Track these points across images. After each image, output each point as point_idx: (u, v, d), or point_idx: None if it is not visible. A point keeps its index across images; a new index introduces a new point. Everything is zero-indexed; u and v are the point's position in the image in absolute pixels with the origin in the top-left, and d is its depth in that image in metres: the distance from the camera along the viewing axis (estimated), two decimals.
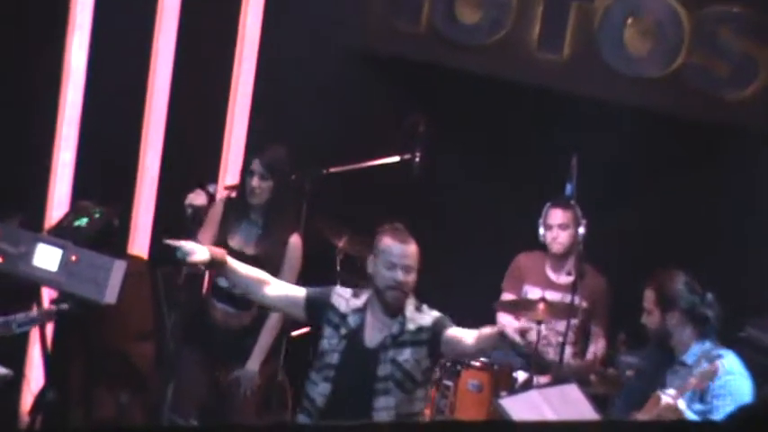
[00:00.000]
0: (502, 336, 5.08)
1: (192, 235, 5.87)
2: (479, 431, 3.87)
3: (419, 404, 5.28)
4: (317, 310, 5.31)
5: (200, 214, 5.93)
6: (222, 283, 5.92)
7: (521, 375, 6.38)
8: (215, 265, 5.28)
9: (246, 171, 5.95)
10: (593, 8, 6.94)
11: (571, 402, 5.74)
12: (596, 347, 6.56)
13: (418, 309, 5.28)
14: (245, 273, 5.33)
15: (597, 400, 5.81)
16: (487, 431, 3.90)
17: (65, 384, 6.16)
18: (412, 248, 5.23)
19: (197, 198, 5.92)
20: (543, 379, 6.36)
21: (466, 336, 5.19)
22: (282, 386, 6.34)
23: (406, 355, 5.19)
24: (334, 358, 5.24)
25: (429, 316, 5.26)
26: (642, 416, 5.48)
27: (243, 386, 5.94)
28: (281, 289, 5.34)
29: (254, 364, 5.94)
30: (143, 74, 6.91)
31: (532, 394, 5.87)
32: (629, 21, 6.92)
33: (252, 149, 6.13)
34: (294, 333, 6.31)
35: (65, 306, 5.67)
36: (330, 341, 5.26)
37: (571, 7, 6.97)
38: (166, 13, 6.87)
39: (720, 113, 6.81)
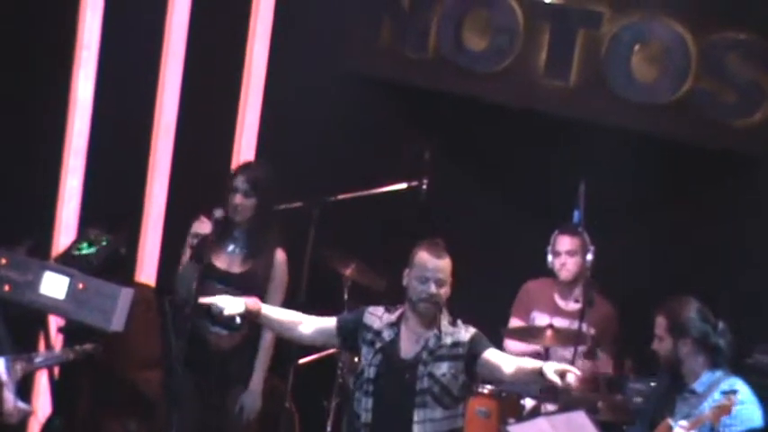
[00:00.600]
0: (541, 374, 5.09)
1: (201, 261, 5.89)
2: None
3: (460, 421, 5.31)
4: (351, 334, 5.38)
5: (205, 241, 5.94)
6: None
7: (528, 402, 6.38)
8: (251, 315, 5.33)
9: (230, 188, 5.96)
10: (599, 35, 6.99)
11: (579, 429, 5.75)
12: (601, 370, 6.55)
13: (453, 323, 5.34)
14: (279, 317, 5.40)
15: (605, 427, 5.82)
16: None
17: (72, 412, 6.19)
18: (444, 263, 5.33)
19: (201, 226, 5.94)
20: (551, 406, 6.36)
21: (504, 363, 5.23)
22: (290, 413, 6.35)
23: (443, 369, 5.24)
24: (371, 372, 5.31)
25: (465, 331, 5.32)
26: None
27: (246, 410, 5.94)
28: (313, 324, 5.41)
29: (256, 385, 5.95)
30: (150, 103, 6.98)
31: (540, 422, 5.87)
32: (636, 47, 6.96)
33: (239, 168, 6.13)
34: (301, 361, 6.31)
35: (89, 347, 5.71)
36: (366, 357, 5.34)
37: (578, 34, 7.01)
38: (173, 43, 6.94)
39: (727, 140, 6.83)
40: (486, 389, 6.30)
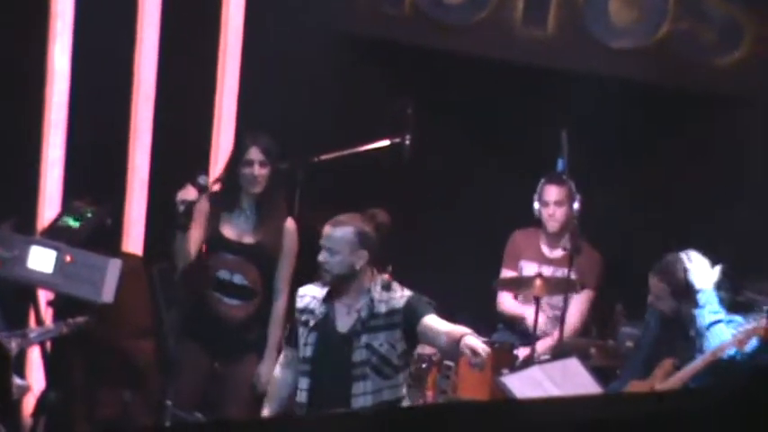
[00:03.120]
0: (459, 345, 5.06)
1: (185, 230, 5.95)
2: (482, 411, 3.94)
3: (401, 390, 5.29)
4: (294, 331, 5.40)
5: (191, 209, 6.00)
6: (223, 275, 6.00)
7: (522, 353, 6.46)
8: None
9: (241, 161, 5.99)
10: None
11: (573, 376, 5.84)
12: (573, 310, 6.60)
13: (387, 288, 5.28)
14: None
15: (598, 373, 5.91)
16: (490, 411, 3.97)
17: (66, 385, 6.24)
18: (337, 231, 5.27)
19: (188, 193, 5.99)
20: (544, 355, 6.45)
21: (440, 332, 5.17)
22: None
23: (380, 339, 5.21)
24: (307, 351, 5.30)
25: (401, 296, 5.26)
26: (657, 384, 5.55)
27: (263, 380, 5.93)
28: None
29: (271, 354, 5.97)
30: (128, 72, 6.98)
31: (534, 371, 5.96)
32: None
33: (244, 138, 6.17)
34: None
35: (81, 320, 5.76)
36: (302, 337, 5.32)
37: None
38: (147, 9, 6.95)
39: (708, 80, 6.89)
40: (480, 340, 6.35)
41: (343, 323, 5.28)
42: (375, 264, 5.33)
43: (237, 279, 5.99)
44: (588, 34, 7.00)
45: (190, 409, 6.02)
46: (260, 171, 5.96)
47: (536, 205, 6.68)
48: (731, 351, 5.53)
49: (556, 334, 6.42)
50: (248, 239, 6.00)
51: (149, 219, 7.01)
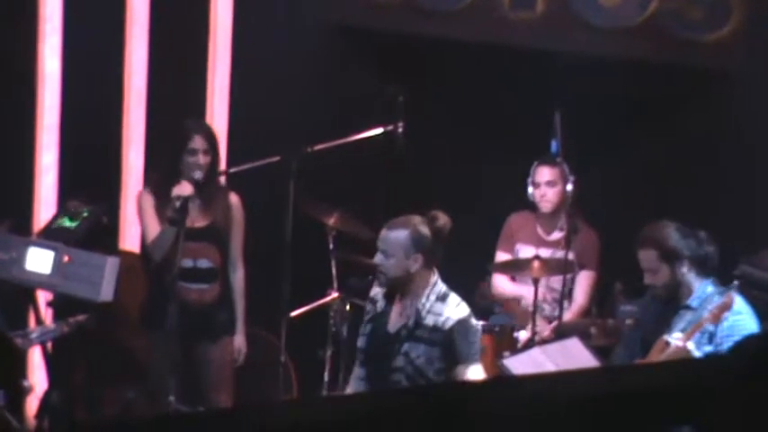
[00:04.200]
0: None
1: (180, 225, 5.96)
2: (484, 390, 3.93)
3: None
4: None
5: (187, 204, 6.02)
6: (187, 263, 6.03)
7: (522, 335, 6.48)
8: None
9: (185, 149, 6.04)
10: None
11: (574, 356, 5.85)
12: (580, 290, 6.63)
13: (442, 299, 5.23)
14: None
15: (599, 352, 5.93)
16: (490, 389, 3.95)
17: (69, 384, 6.26)
18: (392, 234, 5.24)
19: (184, 188, 6.02)
20: (545, 336, 6.46)
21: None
22: (286, 366, 6.45)
23: (419, 350, 5.18)
24: (361, 342, 5.34)
25: (450, 316, 5.19)
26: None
27: (239, 357, 6.10)
28: None
29: (241, 332, 6.12)
30: (119, 71, 7.00)
31: (535, 352, 5.97)
32: None
33: (187, 127, 6.20)
34: (293, 313, 6.41)
35: (81, 318, 5.77)
36: (362, 326, 5.38)
37: None
38: (136, 8, 6.96)
39: (697, 57, 6.91)
40: (479, 324, 6.37)
41: (394, 324, 5.27)
42: (433, 266, 5.28)
43: (202, 264, 6.06)
44: (576, 15, 7.02)
45: (193, 404, 6.04)
46: (204, 159, 6.04)
47: (530, 188, 6.70)
48: (709, 326, 5.53)
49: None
50: (200, 223, 6.06)
51: None
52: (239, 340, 6.14)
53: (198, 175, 6.03)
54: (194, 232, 6.03)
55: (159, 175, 6.14)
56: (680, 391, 3.54)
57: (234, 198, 6.18)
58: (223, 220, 6.12)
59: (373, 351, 5.28)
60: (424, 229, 5.22)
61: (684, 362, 4.95)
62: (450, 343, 5.15)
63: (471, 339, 5.21)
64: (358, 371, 5.35)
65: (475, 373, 5.21)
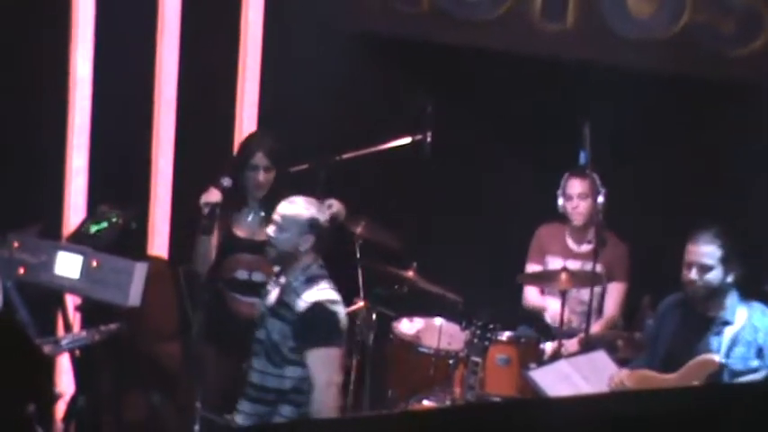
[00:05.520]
0: None
1: (209, 233, 5.99)
2: (511, 409, 3.92)
3: (287, 382, 5.30)
4: None
5: (215, 211, 6.05)
6: (241, 275, 6.04)
7: (548, 346, 6.47)
8: None
9: (248, 165, 6.04)
10: None
11: (600, 369, 5.84)
12: (610, 301, 6.62)
13: (310, 281, 5.32)
14: None
15: (626, 365, 5.90)
16: (520, 409, 3.93)
17: (95, 390, 6.28)
18: (289, 210, 5.36)
19: (211, 195, 6.05)
20: (571, 348, 6.45)
21: (312, 369, 5.28)
22: None
23: (276, 327, 5.31)
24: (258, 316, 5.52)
25: (309, 297, 5.29)
26: (687, 380, 5.52)
27: None
28: None
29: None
30: (149, 76, 7.03)
31: (561, 364, 5.96)
32: None
33: (250, 142, 6.22)
34: None
35: (113, 326, 5.82)
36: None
37: None
38: (168, 14, 6.99)
39: (728, 70, 6.88)
40: (505, 336, 6.39)
41: (270, 299, 5.43)
42: (319, 252, 5.38)
43: (256, 277, 6.04)
44: (607, 26, 7.01)
45: (219, 412, 6.05)
46: (265, 176, 6.04)
47: (560, 200, 6.69)
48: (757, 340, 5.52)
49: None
50: (261, 237, 6.05)
51: (174, 222, 7.06)
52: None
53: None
54: (253, 245, 6.01)
55: (222, 192, 6.08)
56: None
57: None
58: None
59: (258, 324, 5.43)
60: (322, 215, 5.37)
61: (738, 386, 4.91)
62: (301, 324, 5.25)
63: (321, 325, 5.28)
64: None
65: (318, 358, 5.24)
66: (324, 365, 5.27)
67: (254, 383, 5.33)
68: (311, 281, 5.32)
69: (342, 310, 5.41)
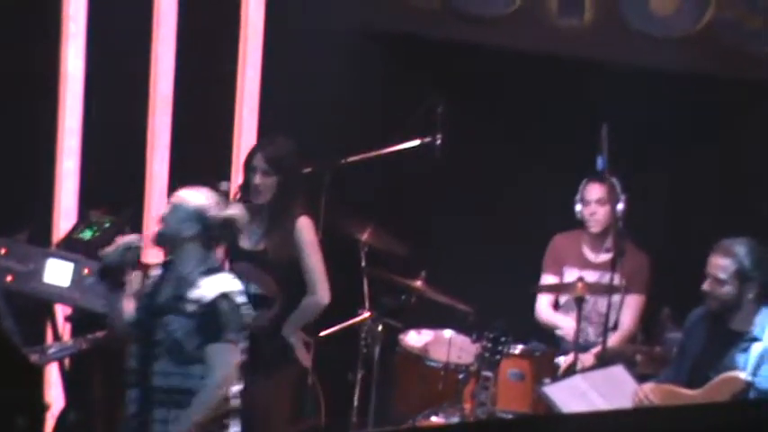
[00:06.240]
0: None
1: None
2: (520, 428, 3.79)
3: (192, 381, 5.15)
4: None
5: None
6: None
7: (563, 360, 6.30)
8: None
9: (248, 167, 5.91)
10: None
11: (618, 384, 5.72)
12: (628, 314, 6.44)
13: (209, 272, 5.20)
14: None
15: (645, 381, 5.74)
16: (530, 426, 3.82)
17: (86, 404, 6.13)
18: (181, 194, 5.27)
19: None
20: (587, 362, 6.28)
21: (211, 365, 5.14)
22: (314, 389, 6.28)
23: (179, 323, 5.15)
24: (133, 317, 5.28)
25: (213, 289, 5.16)
26: (712, 397, 5.38)
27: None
28: None
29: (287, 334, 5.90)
30: (144, 75, 6.89)
31: (577, 380, 5.83)
32: None
33: (256, 146, 6.07)
34: (322, 333, 6.24)
35: (100, 334, 5.71)
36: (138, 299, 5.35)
37: None
38: (164, 9, 6.83)
39: (754, 68, 6.76)
40: (518, 349, 6.23)
41: (162, 296, 5.25)
42: (208, 246, 5.24)
43: (252, 288, 5.86)
44: (627, 23, 6.90)
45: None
46: (261, 180, 5.86)
47: (578, 206, 6.51)
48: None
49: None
50: (259, 247, 5.90)
51: None
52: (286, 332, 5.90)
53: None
54: (251, 255, 5.86)
55: (242, 192, 5.96)
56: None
57: (302, 221, 5.88)
58: (279, 247, 5.86)
59: (143, 325, 5.24)
60: (215, 210, 5.26)
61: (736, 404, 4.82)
62: (207, 317, 5.14)
63: (227, 318, 5.17)
64: (133, 347, 5.27)
65: (220, 352, 5.12)
66: (224, 361, 5.14)
67: (160, 387, 5.16)
68: (209, 272, 5.21)
69: (245, 303, 5.27)
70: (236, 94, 7.10)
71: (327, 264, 6.07)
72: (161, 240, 5.28)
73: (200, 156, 6.87)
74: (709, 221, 6.65)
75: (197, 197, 5.25)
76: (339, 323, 6.39)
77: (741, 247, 5.49)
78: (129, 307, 5.31)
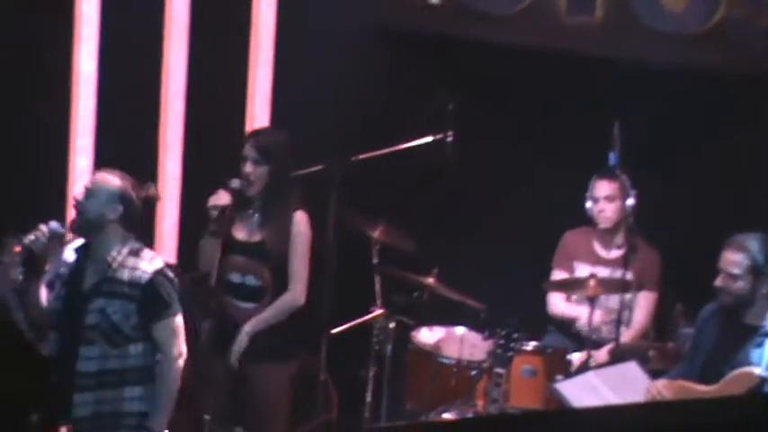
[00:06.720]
0: None
1: (217, 236, 5.82)
2: (535, 422, 3.79)
3: (131, 361, 5.20)
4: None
5: (225, 214, 5.87)
6: (235, 278, 5.87)
7: (576, 357, 6.29)
8: None
9: (240, 158, 5.92)
10: None
11: (631, 381, 5.69)
12: (640, 311, 6.43)
13: (135, 253, 5.21)
14: None
15: (658, 377, 5.73)
16: (546, 420, 3.82)
17: None
18: (100, 177, 5.30)
19: (220, 198, 5.88)
20: (601, 358, 6.26)
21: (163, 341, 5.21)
22: (326, 386, 6.27)
23: (115, 306, 5.17)
24: (56, 304, 5.28)
25: (147, 268, 5.18)
26: (726, 393, 5.38)
27: (234, 350, 5.84)
28: None
29: (249, 326, 5.86)
30: (156, 75, 6.89)
31: (590, 376, 5.81)
32: None
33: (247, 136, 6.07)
34: (333, 330, 6.23)
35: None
36: (57, 288, 5.31)
37: None
38: (175, 10, 6.84)
39: (765, 66, 6.72)
40: (530, 345, 6.21)
41: (88, 281, 5.25)
42: (129, 228, 5.26)
43: (249, 280, 5.89)
44: (638, 20, 6.87)
45: (227, 423, 5.87)
46: (252, 169, 5.86)
47: (588, 203, 6.51)
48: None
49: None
50: (255, 238, 5.90)
51: (182, 226, 6.90)
52: (236, 347, 5.84)
53: (235, 183, 5.89)
54: (246, 247, 5.86)
55: (232, 194, 5.92)
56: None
57: (299, 215, 5.90)
58: (276, 238, 5.87)
59: (68, 312, 5.24)
60: (133, 190, 5.32)
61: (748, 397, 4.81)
62: (148, 297, 5.17)
63: (170, 292, 5.24)
64: (52, 336, 5.27)
65: (167, 329, 5.20)
66: (173, 336, 5.23)
67: (91, 372, 5.17)
68: (136, 253, 5.23)
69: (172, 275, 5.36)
70: (248, 92, 7.10)
71: (339, 261, 6.09)
72: (86, 227, 5.24)
73: (211, 154, 6.88)
74: (721, 217, 6.64)
75: (114, 179, 5.28)
76: (351, 320, 6.38)
77: (754, 242, 5.49)
78: (43, 293, 5.32)
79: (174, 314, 5.23)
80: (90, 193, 5.25)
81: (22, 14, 6.55)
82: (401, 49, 7.14)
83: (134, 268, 5.19)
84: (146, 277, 5.18)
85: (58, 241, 5.31)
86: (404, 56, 7.14)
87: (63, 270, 5.31)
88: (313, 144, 6.45)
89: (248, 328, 5.85)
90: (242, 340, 5.85)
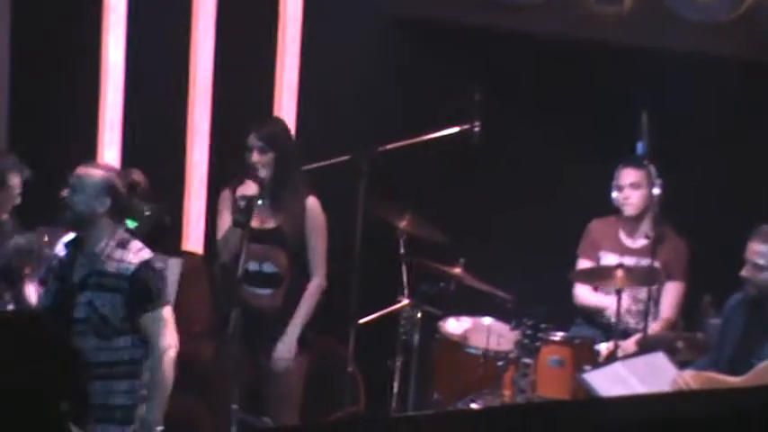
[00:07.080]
0: None
1: (244, 227, 5.84)
2: (564, 410, 3.79)
3: (121, 353, 5.21)
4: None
5: (252, 205, 5.89)
6: (252, 267, 5.90)
7: (604, 348, 6.27)
8: None
9: (245, 149, 5.98)
10: None
11: (659, 371, 5.66)
12: (667, 302, 6.41)
13: (122, 245, 5.22)
14: None
15: (686, 368, 5.70)
16: (574, 410, 3.81)
17: None
18: (84, 172, 5.29)
19: (248, 189, 5.90)
20: (628, 349, 6.25)
21: (153, 333, 5.20)
22: (353, 376, 6.29)
23: (104, 299, 5.17)
24: (47, 299, 5.29)
25: (133, 260, 5.19)
26: (753, 384, 5.34)
27: (278, 362, 5.91)
28: None
29: (289, 334, 5.92)
30: (184, 66, 6.92)
31: (617, 366, 5.79)
32: None
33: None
34: (361, 321, 6.25)
35: None
36: (48, 282, 5.32)
37: None
38: (203, 3, 6.85)
39: None
40: (558, 335, 6.21)
41: (77, 274, 5.25)
42: (118, 219, 5.27)
43: (267, 267, 5.93)
44: (666, 9, 6.83)
45: (254, 412, 5.90)
46: (259, 157, 5.93)
47: (613, 192, 6.49)
48: None
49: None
50: (270, 224, 5.95)
51: (209, 216, 6.92)
52: (282, 347, 5.93)
53: (263, 173, 5.92)
54: (261, 234, 5.91)
55: (238, 175, 6.02)
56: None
57: (311, 201, 5.98)
58: (292, 224, 5.95)
59: (59, 305, 5.23)
60: (118, 181, 5.31)
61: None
62: (135, 288, 5.17)
63: (158, 283, 5.23)
64: None
65: (156, 321, 5.20)
66: (163, 328, 5.22)
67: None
68: (123, 244, 5.23)
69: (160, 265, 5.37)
70: (275, 82, 7.11)
71: (366, 251, 6.10)
72: (77, 222, 5.25)
73: (239, 145, 6.89)
74: (749, 207, 6.61)
75: (100, 171, 5.29)
76: (378, 310, 6.40)
77: None
78: (31, 292, 5.34)
79: (162, 305, 5.23)
80: (76, 187, 5.25)
81: (51, 5, 6.58)
82: (428, 39, 7.13)
83: (121, 260, 5.20)
84: (132, 269, 5.18)
85: (34, 255, 5.34)
86: (431, 46, 7.14)
87: (55, 263, 5.33)
88: (340, 134, 6.46)
89: (293, 328, 5.90)
90: (290, 342, 5.90)
